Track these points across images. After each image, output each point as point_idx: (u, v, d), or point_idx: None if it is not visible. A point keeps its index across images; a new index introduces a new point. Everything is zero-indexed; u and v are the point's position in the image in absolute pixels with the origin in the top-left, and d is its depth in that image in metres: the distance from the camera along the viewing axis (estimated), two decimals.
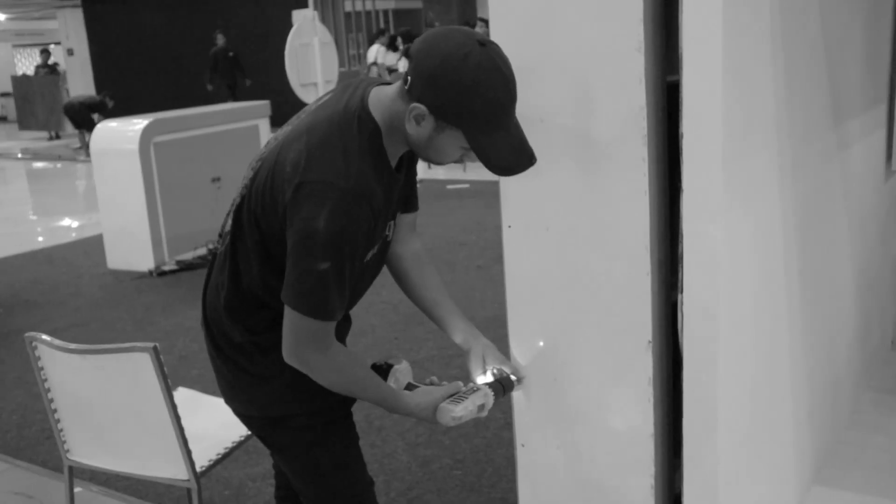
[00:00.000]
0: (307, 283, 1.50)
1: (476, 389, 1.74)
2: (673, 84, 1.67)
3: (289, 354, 1.60)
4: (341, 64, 12.27)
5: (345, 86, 1.67)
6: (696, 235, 1.64)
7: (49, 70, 17.40)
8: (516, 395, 1.97)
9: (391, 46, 13.29)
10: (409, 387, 1.77)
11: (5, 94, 24.92)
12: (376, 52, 13.30)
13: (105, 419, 2.19)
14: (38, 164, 13.68)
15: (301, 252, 1.49)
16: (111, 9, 17.97)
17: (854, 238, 2.65)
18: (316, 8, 10.38)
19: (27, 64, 27.40)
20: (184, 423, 2.08)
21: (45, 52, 18.12)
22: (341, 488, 1.78)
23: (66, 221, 8.60)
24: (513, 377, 1.85)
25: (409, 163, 1.71)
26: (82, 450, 2.28)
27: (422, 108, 1.48)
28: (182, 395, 2.55)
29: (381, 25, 18.19)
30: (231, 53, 14.04)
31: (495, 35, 1.77)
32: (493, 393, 1.76)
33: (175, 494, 2.93)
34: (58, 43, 23.99)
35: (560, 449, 1.93)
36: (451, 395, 1.72)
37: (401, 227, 1.82)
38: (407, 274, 1.86)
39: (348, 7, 16.83)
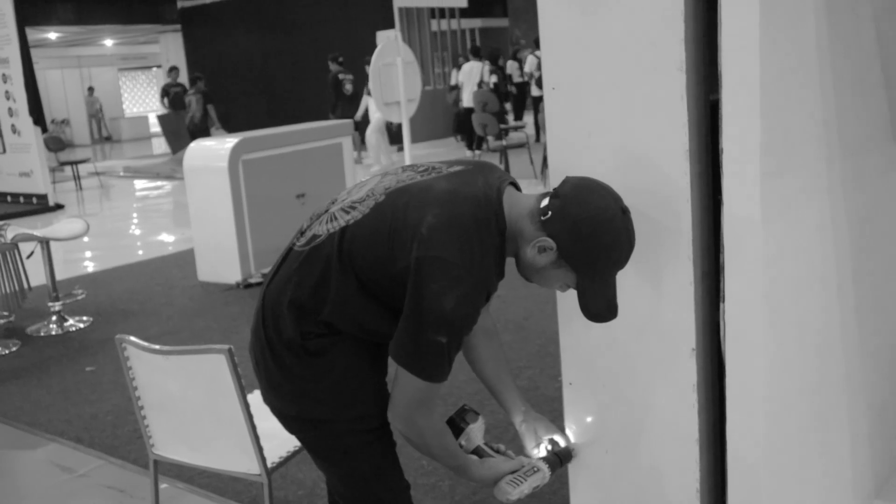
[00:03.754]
0: (427, 352, 1.63)
1: (535, 471, 1.87)
2: (716, 102, 1.73)
3: (396, 416, 1.72)
4: (426, 83, 12.54)
5: (478, 165, 1.80)
6: (735, 247, 1.69)
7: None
8: (567, 403, 2.05)
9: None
10: (479, 450, 1.90)
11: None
12: (482, 70, 13.89)
13: (185, 415, 2.35)
14: (139, 182, 14.34)
15: (425, 322, 1.60)
16: (208, 32, 18.77)
17: None
18: (402, 28, 10.60)
19: (130, 86, 28.71)
20: (257, 422, 2.22)
21: (196, 78, 15.33)
22: (379, 493, 1.87)
23: (163, 236, 9.02)
24: (570, 448, 1.98)
25: None
26: (166, 444, 2.44)
27: (552, 243, 1.63)
28: (258, 397, 2.69)
29: (477, 43, 18.55)
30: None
31: (544, 52, 1.87)
32: (549, 472, 1.89)
33: (252, 493, 3.09)
34: (159, 66, 25.04)
35: (609, 453, 1.99)
36: (514, 472, 1.85)
37: None
38: (473, 347, 2.00)
39: (434, 27, 17.10)
